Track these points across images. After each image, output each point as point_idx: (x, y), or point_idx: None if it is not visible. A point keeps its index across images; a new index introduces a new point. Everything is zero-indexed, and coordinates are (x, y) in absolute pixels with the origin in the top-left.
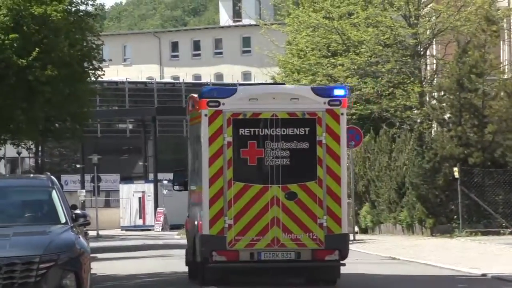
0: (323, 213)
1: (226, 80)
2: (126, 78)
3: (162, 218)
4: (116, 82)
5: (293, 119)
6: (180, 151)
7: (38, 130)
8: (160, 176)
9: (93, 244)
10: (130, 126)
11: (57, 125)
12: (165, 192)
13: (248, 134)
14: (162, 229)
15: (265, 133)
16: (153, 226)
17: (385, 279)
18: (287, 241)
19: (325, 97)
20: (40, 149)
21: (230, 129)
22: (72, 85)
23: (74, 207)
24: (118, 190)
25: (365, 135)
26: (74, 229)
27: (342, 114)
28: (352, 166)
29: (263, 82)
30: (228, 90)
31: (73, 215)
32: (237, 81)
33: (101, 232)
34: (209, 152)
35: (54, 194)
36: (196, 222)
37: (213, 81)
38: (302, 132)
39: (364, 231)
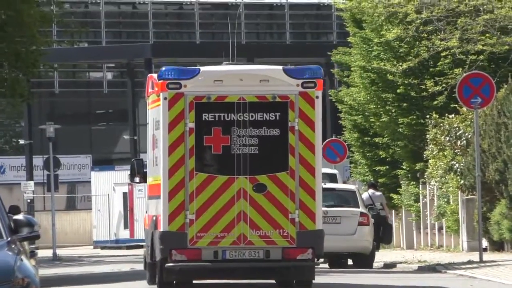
0: (295, 207)
1: None
2: None
3: None
4: (85, 3)
5: (262, 103)
6: None
7: None
8: None
9: (45, 272)
10: (110, 76)
11: None
12: None
13: (213, 119)
14: None
15: (232, 119)
16: None
17: None
18: (255, 238)
19: (298, 78)
20: None
21: (192, 114)
22: (9, 6)
23: (14, 210)
24: (89, 182)
25: (499, 86)
26: (14, 246)
27: (317, 97)
28: (476, 139)
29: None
30: (190, 70)
31: (12, 224)
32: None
33: (60, 252)
34: (168, 139)
35: None
36: (154, 218)
37: None
38: (272, 118)
39: (498, 246)
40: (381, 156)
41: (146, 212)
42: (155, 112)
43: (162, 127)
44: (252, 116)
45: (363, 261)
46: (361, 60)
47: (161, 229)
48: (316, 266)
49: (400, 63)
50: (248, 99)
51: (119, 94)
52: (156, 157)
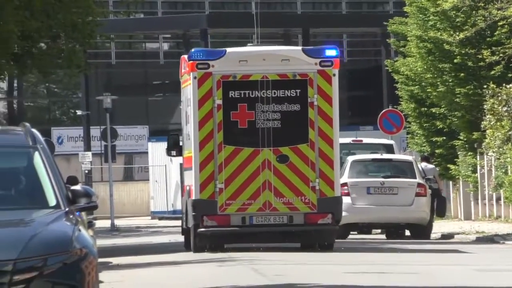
0: (316, 176)
1: None
2: None
3: None
4: None
5: (284, 80)
6: None
7: (10, 54)
8: None
9: (104, 242)
10: (166, 47)
11: (42, 45)
12: None
13: (238, 96)
14: None
15: (256, 95)
16: None
17: None
18: (279, 205)
19: (316, 57)
20: (15, 85)
21: (220, 92)
22: None
23: (72, 180)
24: (147, 153)
25: None
26: (72, 216)
27: (334, 75)
28: None
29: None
30: (217, 52)
31: (70, 194)
32: None
33: (118, 222)
34: (198, 115)
35: (38, 158)
36: (188, 188)
37: None
38: (293, 94)
39: None
40: (438, 127)
41: (182, 183)
42: (187, 90)
43: (192, 104)
44: (274, 93)
45: (421, 232)
46: (418, 30)
47: (193, 197)
48: (372, 237)
49: (457, 33)
50: (271, 77)
51: (175, 65)
52: (188, 132)
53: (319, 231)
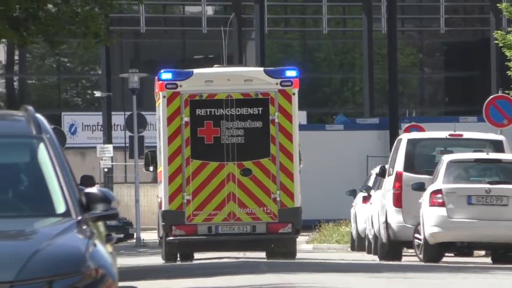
0: (277, 188)
1: None
2: None
3: None
4: None
5: (247, 99)
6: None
7: (10, 19)
8: None
9: (126, 261)
10: (210, 11)
11: (50, 7)
12: None
13: (205, 114)
14: None
15: (221, 113)
16: None
17: None
18: (243, 215)
19: (277, 78)
20: (16, 58)
21: (187, 110)
22: None
23: (87, 181)
24: None
25: None
26: (85, 227)
27: (293, 94)
28: None
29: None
30: (185, 72)
31: (84, 199)
32: None
33: (145, 236)
34: (168, 131)
35: (43, 152)
36: (159, 200)
37: None
38: (255, 112)
39: None
40: None
41: (157, 196)
42: (159, 108)
43: (162, 121)
44: (238, 111)
45: None
46: None
47: (163, 209)
48: (474, 260)
49: None
50: (235, 96)
51: (220, 35)
52: (160, 147)
53: (280, 239)
